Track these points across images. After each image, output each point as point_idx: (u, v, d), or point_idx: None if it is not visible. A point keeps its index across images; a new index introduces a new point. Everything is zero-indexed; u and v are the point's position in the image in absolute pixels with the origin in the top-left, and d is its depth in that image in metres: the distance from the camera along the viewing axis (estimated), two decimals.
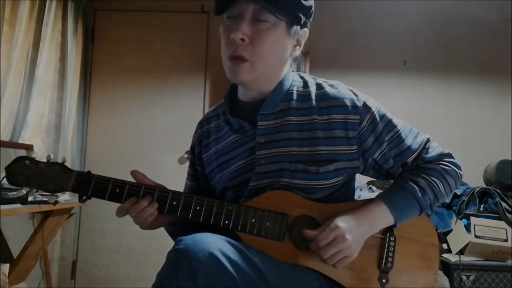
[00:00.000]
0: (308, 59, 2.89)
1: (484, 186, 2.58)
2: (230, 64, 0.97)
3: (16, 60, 2.34)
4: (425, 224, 1.05)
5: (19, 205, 1.94)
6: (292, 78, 1.07)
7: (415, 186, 1.00)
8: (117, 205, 0.99)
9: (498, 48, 3.17)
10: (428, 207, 1.01)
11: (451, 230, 2.36)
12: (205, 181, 1.16)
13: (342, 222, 0.92)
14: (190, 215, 0.97)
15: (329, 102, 1.01)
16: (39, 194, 2.10)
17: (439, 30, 3.21)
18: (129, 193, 0.98)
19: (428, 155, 1.05)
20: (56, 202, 2.13)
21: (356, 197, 1.10)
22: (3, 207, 1.83)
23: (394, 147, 1.03)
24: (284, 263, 0.92)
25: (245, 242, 0.93)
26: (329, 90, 1.03)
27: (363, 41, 3.22)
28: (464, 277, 2.17)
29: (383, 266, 0.99)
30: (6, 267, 2.08)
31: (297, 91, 1.05)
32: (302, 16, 0.99)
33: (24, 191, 1.96)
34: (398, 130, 1.03)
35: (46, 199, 2.06)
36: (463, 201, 2.41)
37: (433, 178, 1.01)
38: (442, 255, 2.30)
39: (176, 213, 0.97)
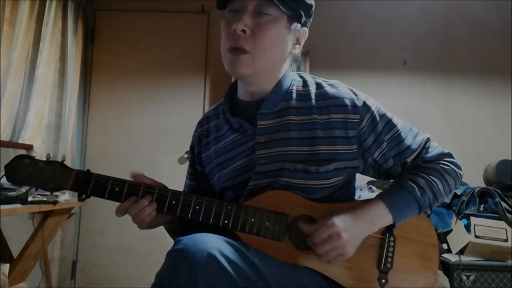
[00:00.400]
0: (308, 59, 2.89)
1: (484, 186, 2.57)
2: (230, 56, 0.97)
3: (16, 60, 2.34)
4: (425, 224, 1.05)
5: (19, 205, 1.94)
6: (292, 77, 1.07)
7: (414, 185, 1.00)
8: (117, 204, 0.99)
9: (498, 48, 3.17)
10: (427, 207, 1.01)
11: (451, 230, 2.36)
12: (205, 180, 1.16)
13: (339, 221, 0.93)
14: (190, 215, 0.97)
15: (329, 102, 1.01)
16: (38, 194, 2.10)
17: (439, 30, 3.21)
18: (129, 192, 0.98)
19: (428, 155, 1.05)
20: (55, 202, 2.13)
21: (356, 197, 1.10)
22: (3, 207, 1.83)
23: (394, 146, 1.03)
24: (283, 263, 0.92)
25: (244, 241, 0.93)
26: (329, 89, 1.03)
27: (363, 41, 3.22)
28: (464, 277, 2.17)
29: (382, 266, 0.99)
30: (6, 267, 2.08)
31: (296, 90, 1.05)
32: (303, 14, 1.00)
33: (23, 190, 1.96)
34: (398, 130, 1.03)
35: (45, 198, 2.06)
36: (463, 201, 2.41)
37: (432, 177, 1.01)
38: (442, 255, 2.30)
39: (176, 212, 0.97)
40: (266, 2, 0.94)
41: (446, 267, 2.21)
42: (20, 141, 2.41)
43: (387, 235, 1.00)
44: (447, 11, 3.20)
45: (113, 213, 0.99)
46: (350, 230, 0.93)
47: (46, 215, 2.32)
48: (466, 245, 2.24)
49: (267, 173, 1.00)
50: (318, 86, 1.05)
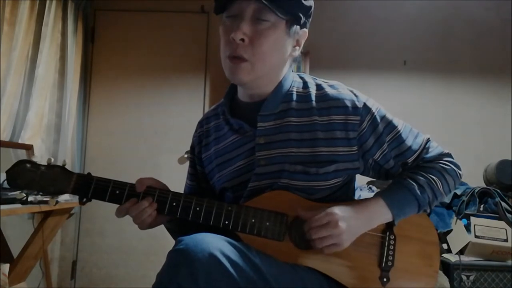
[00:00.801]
0: (308, 59, 2.89)
1: (484, 186, 2.57)
2: (230, 63, 0.97)
3: (16, 60, 2.34)
4: (425, 222, 1.06)
5: (19, 205, 1.94)
6: (292, 79, 1.07)
7: (413, 184, 1.00)
8: (117, 205, 0.99)
9: (498, 48, 3.17)
10: (427, 205, 1.02)
11: (451, 230, 2.36)
12: (205, 180, 1.16)
13: (339, 210, 0.93)
14: (190, 216, 0.97)
15: (329, 103, 1.01)
16: (40, 195, 2.09)
17: (439, 30, 3.21)
18: (129, 194, 0.98)
19: (428, 155, 1.05)
20: (56, 202, 2.13)
21: (356, 197, 1.10)
22: (3, 207, 1.83)
23: (395, 147, 1.03)
24: (284, 263, 0.92)
25: (245, 242, 0.93)
26: (329, 90, 1.03)
27: (363, 41, 3.22)
28: (464, 277, 2.17)
29: (383, 264, 0.99)
30: (6, 267, 2.08)
31: (297, 91, 1.05)
32: (302, 16, 0.99)
33: (24, 194, 1.96)
34: (399, 131, 1.04)
35: (46, 199, 2.06)
36: (463, 201, 2.41)
37: (432, 176, 1.02)
38: (442, 255, 2.30)
39: (176, 214, 0.97)
40: (264, 8, 0.93)
41: (446, 267, 2.22)
42: (20, 141, 2.41)
43: (388, 233, 1.01)
44: (447, 11, 3.20)
45: (113, 213, 1.00)
46: (349, 221, 0.93)
47: (46, 215, 2.32)
48: (466, 245, 2.24)
49: (267, 175, 1.00)
50: (318, 87, 1.05)
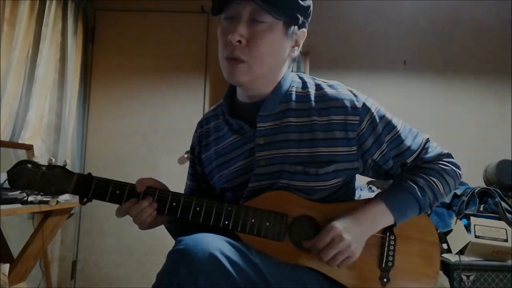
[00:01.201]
0: (308, 59, 2.89)
1: (484, 186, 2.57)
2: (228, 65, 0.97)
3: (16, 60, 2.34)
4: (426, 223, 1.06)
5: (19, 205, 1.94)
6: (291, 79, 1.07)
7: (414, 186, 1.00)
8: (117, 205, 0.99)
9: (498, 48, 3.17)
10: (428, 207, 1.02)
11: (451, 230, 2.36)
12: (205, 181, 1.16)
13: (338, 223, 0.93)
14: (190, 216, 0.97)
15: (329, 103, 1.01)
16: (40, 195, 2.09)
17: (439, 30, 3.21)
18: (129, 194, 0.99)
19: (428, 155, 1.05)
20: (56, 202, 2.13)
21: (356, 197, 1.10)
22: (3, 207, 1.83)
23: (394, 147, 1.03)
24: (284, 263, 0.93)
25: (245, 242, 0.93)
26: (328, 91, 1.03)
27: (363, 41, 3.22)
28: (464, 277, 2.17)
29: (384, 265, 0.99)
30: (6, 267, 2.08)
31: (296, 92, 1.05)
32: (299, 16, 0.99)
33: (25, 194, 1.96)
34: (398, 131, 1.03)
35: (47, 199, 2.06)
36: (463, 201, 2.41)
37: (432, 177, 1.02)
38: (442, 255, 2.30)
39: (176, 214, 0.97)
40: (260, 9, 0.93)
41: (446, 267, 2.22)
42: (20, 141, 2.41)
43: (388, 233, 1.01)
44: (447, 11, 3.20)
45: (113, 213, 1.00)
46: (351, 230, 0.93)
47: (46, 215, 2.32)
48: (466, 245, 2.24)
49: (267, 175, 1.00)
50: (318, 87, 1.05)
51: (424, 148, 1.06)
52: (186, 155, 2.94)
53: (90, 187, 0.99)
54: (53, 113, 2.72)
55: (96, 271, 3.10)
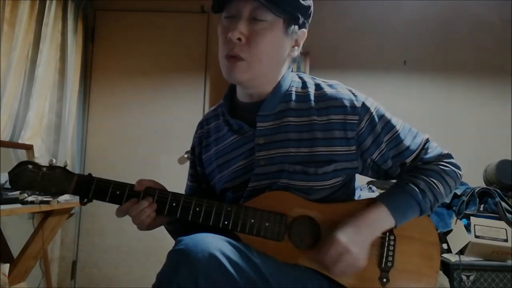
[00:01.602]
0: (308, 59, 2.89)
1: (484, 186, 2.57)
2: (227, 63, 0.97)
3: (16, 60, 2.34)
4: (426, 223, 1.05)
5: (19, 205, 1.94)
6: (291, 79, 1.07)
7: (415, 188, 0.99)
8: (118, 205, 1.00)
9: (498, 48, 3.17)
10: (429, 209, 1.01)
11: (451, 230, 2.36)
12: (206, 181, 1.16)
13: (342, 235, 0.92)
14: (190, 216, 0.97)
15: (328, 103, 1.01)
16: (41, 195, 2.10)
17: (439, 30, 3.21)
18: (129, 195, 0.99)
19: (427, 156, 1.05)
20: (57, 202, 2.13)
21: (356, 197, 1.10)
22: (3, 207, 1.83)
23: (393, 147, 1.03)
24: (284, 263, 0.92)
25: (245, 242, 0.93)
26: (328, 90, 1.03)
27: (363, 41, 3.22)
28: (464, 277, 2.17)
29: (383, 265, 0.99)
30: (6, 267, 2.08)
31: (295, 91, 1.05)
32: (300, 16, 0.99)
33: (26, 195, 1.96)
34: (397, 131, 1.03)
35: (48, 199, 2.06)
36: (463, 201, 2.41)
37: (432, 179, 1.01)
38: (442, 255, 2.30)
39: (176, 214, 0.98)
40: (261, 8, 0.94)
41: (446, 267, 2.22)
42: (20, 141, 2.41)
43: (387, 234, 1.00)
44: (447, 11, 3.20)
45: (113, 213, 1.00)
46: (356, 241, 0.92)
47: (46, 215, 2.32)
48: (466, 245, 2.24)
49: (267, 175, 1.00)
50: (317, 87, 1.05)
51: (424, 148, 1.05)
52: (186, 155, 2.94)
53: (91, 188, 0.99)
54: (53, 113, 2.72)
55: (96, 271, 3.10)
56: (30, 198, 2.00)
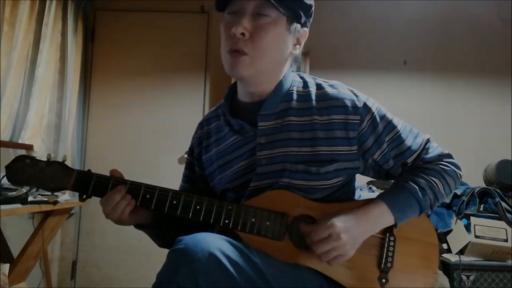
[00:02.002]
0: (308, 59, 2.89)
1: (484, 186, 2.57)
2: (230, 57, 0.97)
3: (16, 60, 2.34)
4: (425, 224, 1.06)
5: (19, 205, 1.95)
6: (292, 78, 1.07)
7: (415, 186, 1.00)
8: None
9: (498, 48, 3.17)
10: (428, 207, 1.02)
11: (451, 230, 2.36)
12: (203, 182, 1.15)
13: (339, 221, 0.93)
14: (191, 214, 0.97)
15: (329, 103, 1.01)
16: (39, 194, 2.10)
17: (439, 30, 3.21)
18: (129, 191, 0.98)
19: (428, 156, 1.05)
20: (56, 202, 2.13)
21: (356, 197, 1.10)
22: (3, 207, 1.83)
23: (394, 147, 1.03)
24: (284, 263, 0.92)
25: (245, 241, 0.93)
26: (329, 90, 1.03)
27: (363, 41, 3.22)
28: (464, 277, 2.17)
29: (383, 265, 0.99)
30: (6, 267, 2.08)
31: (297, 91, 1.05)
32: (302, 14, 1.00)
33: (24, 190, 1.97)
34: (398, 131, 1.03)
35: (46, 198, 2.06)
36: (463, 201, 2.41)
37: (433, 178, 1.01)
38: (442, 255, 2.30)
39: (177, 212, 0.97)
40: (265, 4, 0.94)
41: (446, 267, 2.22)
42: (20, 141, 2.41)
43: (387, 234, 1.00)
44: (447, 11, 3.20)
45: None
46: (350, 231, 0.92)
47: (46, 215, 2.32)
48: (466, 245, 2.24)
49: (268, 174, 1.00)
50: (319, 87, 1.05)
51: (425, 148, 1.06)
52: (186, 155, 2.93)
53: (90, 184, 0.98)
54: (53, 113, 2.72)
55: (96, 271, 3.10)
56: (30, 198, 2.01)
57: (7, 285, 2.05)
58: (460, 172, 1.06)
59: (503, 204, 2.39)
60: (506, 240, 2.22)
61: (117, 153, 3.14)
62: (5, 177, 0.97)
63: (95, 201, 1.02)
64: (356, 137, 1.00)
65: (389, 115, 1.04)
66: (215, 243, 0.81)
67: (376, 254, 0.99)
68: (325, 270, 0.95)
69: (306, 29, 1.04)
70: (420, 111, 3.09)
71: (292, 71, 1.09)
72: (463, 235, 2.27)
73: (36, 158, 1.00)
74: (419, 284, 1.01)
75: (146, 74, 3.22)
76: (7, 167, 0.97)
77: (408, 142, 1.04)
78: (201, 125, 1.18)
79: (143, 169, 3.04)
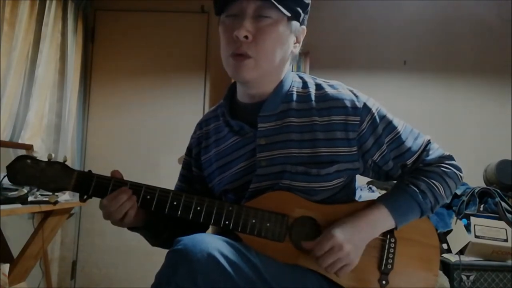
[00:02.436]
0: (308, 59, 2.89)
1: (484, 186, 2.57)
2: (233, 61, 0.96)
3: (16, 60, 2.34)
4: (426, 225, 1.05)
5: (19, 205, 1.94)
6: (292, 79, 1.06)
7: (416, 189, 0.99)
8: None
9: (498, 48, 3.17)
10: (429, 210, 1.01)
11: (451, 230, 2.36)
12: (201, 183, 1.15)
13: (339, 231, 0.92)
14: (191, 215, 0.97)
15: (329, 103, 1.01)
16: (39, 194, 2.10)
17: (439, 30, 3.21)
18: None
19: (429, 157, 1.05)
20: (56, 202, 2.13)
21: (356, 197, 1.10)
22: (3, 207, 1.83)
23: (394, 148, 1.03)
24: (284, 264, 0.92)
25: (245, 242, 0.93)
26: (329, 90, 1.03)
27: (363, 41, 3.22)
28: (464, 277, 2.17)
29: (383, 267, 0.99)
30: (6, 267, 2.08)
31: (297, 92, 1.05)
32: (301, 13, 0.99)
33: (25, 190, 1.97)
34: (398, 132, 1.03)
35: (46, 198, 2.06)
36: (463, 201, 2.41)
37: (433, 181, 1.01)
38: (442, 255, 2.30)
39: (177, 213, 0.97)
40: (265, 5, 0.93)
41: (446, 267, 2.21)
42: (20, 141, 2.41)
43: (388, 236, 1.00)
44: (447, 11, 3.20)
45: None
46: (352, 240, 0.92)
47: (46, 215, 2.32)
48: (466, 245, 2.24)
49: (268, 176, 0.99)
50: (318, 87, 1.05)
51: (425, 149, 1.05)
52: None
53: (91, 184, 0.98)
54: (53, 113, 2.72)
55: (96, 271, 3.10)
56: (30, 198, 2.00)
57: (7, 285, 2.05)
58: (461, 174, 1.06)
59: (503, 204, 2.38)
60: (506, 240, 2.22)
61: (117, 153, 3.14)
62: (6, 177, 0.97)
63: (95, 201, 1.02)
64: (356, 138, 0.99)
65: (390, 116, 1.04)
66: (214, 244, 0.81)
67: (376, 255, 0.99)
68: (326, 271, 0.95)
69: (304, 27, 1.04)
70: (420, 111, 3.09)
71: (292, 71, 1.09)
72: (463, 235, 2.27)
73: (37, 158, 1.00)
74: (419, 286, 1.01)
75: (146, 74, 3.22)
76: (8, 167, 0.97)
77: (408, 143, 1.03)
78: (200, 126, 1.18)
79: (143, 169, 3.04)
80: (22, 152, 2.41)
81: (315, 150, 0.98)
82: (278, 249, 0.94)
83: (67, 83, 2.79)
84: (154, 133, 3.17)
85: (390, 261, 0.99)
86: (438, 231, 2.33)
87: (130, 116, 3.20)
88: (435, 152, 1.06)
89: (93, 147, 3.19)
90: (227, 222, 0.95)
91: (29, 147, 2.44)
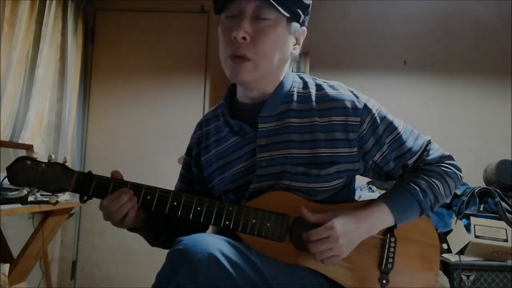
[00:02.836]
0: (308, 59, 2.89)
1: (484, 186, 2.57)
2: (232, 63, 0.96)
3: (16, 60, 2.34)
4: (426, 225, 1.06)
5: (19, 205, 1.94)
6: (292, 79, 1.06)
7: (416, 188, 1.00)
8: None
9: (498, 48, 3.17)
10: (429, 209, 1.01)
11: (451, 230, 2.36)
12: (200, 183, 1.15)
13: (340, 224, 0.92)
14: (191, 216, 0.97)
15: (330, 104, 1.01)
16: (40, 194, 2.10)
17: (439, 30, 3.21)
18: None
19: (429, 157, 1.05)
20: (56, 202, 2.13)
21: (356, 197, 1.10)
22: (3, 207, 1.83)
23: (395, 149, 1.03)
24: (284, 263, 0.92)
25: (246, 242, 0.93)
26: (329, 91, 1.03)
27: (363, 41, 3.22)
28: (464, 277, 2.17)
29: (383, 267, 0.99)
30: (6, 267, 2.08)
31: (297, 92, 1.04)
32: (301, 14, 0.99)
33: (25, 191, 1.96)
34: (399, 132, 1.03)
35: (46, 198, 2.06)
36: (463, 201, 2.41)
37: (433, 180, 1.01)
38: (442, 255, 2.30)
39: (177, 213, 0.97)
40: (264, 6, 0.93)
41: (446, 267, 2.22)
42: (20, 141, 2.41)
43: (388, 235, 1.00)
44: (447, 11, 3.20)
45: None
46: (349, 234, 0.92)
47: (46, 215, 2.32)
48: (466, 245, 2.24)
49: (268, 176, 0.99)
50: (319, 87, 1.05)
51: (426, 150, 1.05)
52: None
53: (91, 185, 0.98)
54: (53, 113, 2.72)
55: (96, 271, 3.10)
56: (30, 198, 2.00)
57: (7, 285, 2.05)
58: (461, 174, 1.06)
59: (503, 204, 2.39)
60: (506, 240, 2.23)
61: (117, 153, 3.14)
62: (6, 178, 0.97)
63: (95, 201, 1.02)
64: (356, 138, 1.00)
65: (390, 116, 1.04)
66: (215, 244, 0.81)
67: (376, 255, 0.99)
68: (326, 271, 0.95)
69: (305, 28, 1.03)
70: (420, 111, 3.09)
71: (292, 71, 1.09)
72: (463, 235, 2.27)
73: (37, 159, 1.00)
74: (419, 285, 1.01)
75: (146, 74, 3.22)
76: (8, 169, 0.97)
77: (409, 143, 1.03)
78: (200, 126, 1.17)
79: (143, 169, 3.04)
80: (22, 152, 2.41)
81: (315, 150, 0.98)
82: (278, 249, 0.94)
83: (67, 83, 2.79)
84: (154, 133, 3.17)
85: (390, 260, 0.99)
86: (438, 231, 2.33)
87: (130, 116, 3.20)
88: (435, 152, 1.06)
89: (93, 147, 3.19)
90: (227, 222, 0.95)
91: (29, 147, 2.44)
